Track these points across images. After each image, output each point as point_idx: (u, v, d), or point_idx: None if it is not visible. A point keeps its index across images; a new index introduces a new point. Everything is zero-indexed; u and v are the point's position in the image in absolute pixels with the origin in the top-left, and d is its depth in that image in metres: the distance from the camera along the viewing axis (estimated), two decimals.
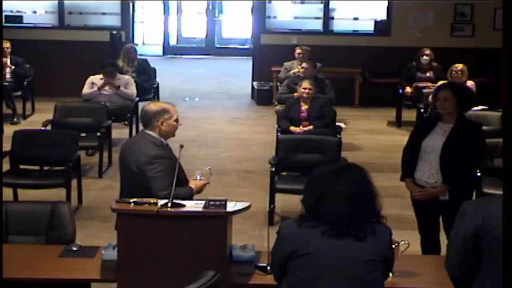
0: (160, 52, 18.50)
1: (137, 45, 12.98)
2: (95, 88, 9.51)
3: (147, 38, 19.28)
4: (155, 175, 4.75)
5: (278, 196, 6.98)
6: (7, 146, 7.33)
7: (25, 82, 11.18)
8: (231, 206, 4.30)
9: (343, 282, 3.23)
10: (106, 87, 9.58)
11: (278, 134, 8.36)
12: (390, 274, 4.10)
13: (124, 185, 5.02)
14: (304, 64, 9.76)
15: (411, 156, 5.44)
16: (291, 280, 3.33)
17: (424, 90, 10.19)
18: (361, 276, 3.23)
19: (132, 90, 9.77)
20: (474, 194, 6.95)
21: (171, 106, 4.99)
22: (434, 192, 5.32)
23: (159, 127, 4.88)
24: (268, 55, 12.55)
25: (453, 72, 9.56)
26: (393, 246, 4.17)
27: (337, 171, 3.34)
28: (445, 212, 5.36)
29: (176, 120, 4.95)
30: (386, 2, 12.76)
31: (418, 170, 5.39)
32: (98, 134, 8.53)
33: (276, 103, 10.40)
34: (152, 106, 4.98)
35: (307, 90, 8.49)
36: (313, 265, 3.25)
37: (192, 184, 5.05)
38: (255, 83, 12.81)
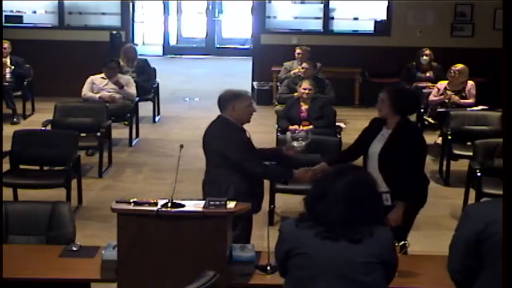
0: (160, 52, 18.48)
1: (137, 45, 12.99)
2: (96, 97, 9.48)
3: (147, 38, 19.26)
4: (240, 153, 5.09)
5: (278, 196, 6.98)
6: (7, 146, 7.33)
7: (25, 82, 11.18)
8: (231, 206, 4.30)
9: (338, 283, 3.22)
10: (106, 86, 9.58)
11: (278, 134, 8.36)
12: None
13: (209, 168, 5.31)
14: (304, 64, 9.75)
15: (350, 153, 5.36)
16: (290, 278, 3.35)
17: (424, 90, 10.20)
18: (357, 278, 3.22)
19: (132, 90, 9.77)
20: (475, 194, 6.99)
21: (243, 92, 5.40)
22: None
23: (232, 111, 5.19)
24: (268, 55, 12.55)
25: (451, 73, 9.56)
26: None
27: (337, 173, 3.33)
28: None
29: (249, 105, 5.27)
30: (386, 2, 12.75)
31: None
32: (98, 134, 8.53)
33: (276, 103, 10.40)
34: (224, 93, 5.36)
35: (306, 91, 8.49)
36: (309, 265, 3.26)
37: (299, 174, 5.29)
38: (255, 83, 12.80)
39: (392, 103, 5.13)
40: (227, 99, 5.27)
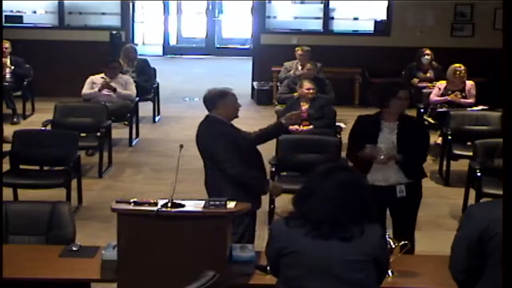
0: (160, 52, 18.47)
1: (137, 45, 12.98)
2: (96, 89, 9.51)
3: (147, 38, 19.26)
4: (221, 152, 5.13)
5: (278, 196, 6.98)
6: (7, 146, 7.33)
7: (25, 82, 11.17)
8: (231, 206, 4.30)
9: (329, 282, 3.23)
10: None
11: None
12: (390, 274, 4.10)
13: (206, 169, 5.37)
14: (308, 65, 9.84)
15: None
16: (282, 277, 3.38)
17: (424, 90, 10.21)
18: (347, 276, 3.23)
19: (132, 90, 9.77)
20: (475, 194, 7.00)
21: (228, 89, 5.42)
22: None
23: (222, 109, 5.25)
24: (268, 55, 12.55)
25: (457, 72, 9.53)
26: (393, 246, 4.19)
27: (326, 172, 3.34)
28: (400, 210, 5.36)
29: (235, 102, 5.35)
30: (386, 2, 12.75)
31: (374, 171, 5.31)
32: (98, 134, 8.53)
33: (276, 103, 10.40)
34: (209, 92, 5.35)
35: (310, 91, 8.51)
36: (299, 264, 3.27)
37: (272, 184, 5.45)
38: (255, 83, 12.81)
39: (410, 101, 5.47)
40: (215, 98, 5.30)
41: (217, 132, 5.21)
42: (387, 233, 4.12)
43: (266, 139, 5.72)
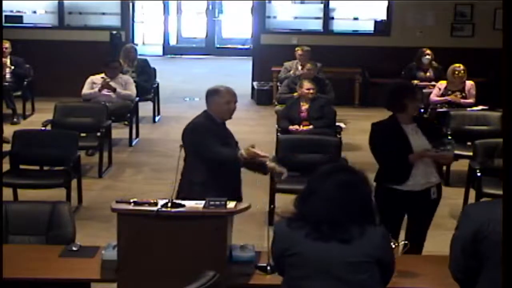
0: (160, 52, 18.49)
1: (137, 45, 12.98)
2: (96, 89, 9.51)
3: (147, 38, 19.28)
4: (200, 140, 5.10)
5: (278, 196, 6.98)
6: (7, 146, 7.32)
7: (25, 82, 11.18)
8: (231, 206, 4.31)
9: (331, 283, 3.23)
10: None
11: (278, 134, 8.37)
12: None
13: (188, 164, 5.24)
14: (308, 65, 9.84)
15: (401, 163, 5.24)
16: (286, 276, 3.39)
17: (424, 90, 10.21)
18: (349, 277, 3.22)
19: (132, 90, 9.76)
20: (475, 194, 6.99)
21: (225, 88, 5.30)
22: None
23: (210, 105, 5.26)
24: (268, 55, 12.55)
25: (456, 72, 9.53)
26: (393, 246, 4.18)
27: (327, 173, 3.33)
28: (428, 211, 5.35)
29: (228, 102, 5.22)
30: (386, 2, 12.76)
31: (416, 175, 5.20)
32: (98, 134, 8.53)
33: (276, 103, 10.40)
34: (209, 88, 5.36)
35: (311, 90, 8.51)
36: (301, 265, 3.28)
37: (244, 151, 5.27)
38: (255, 83, 12.81)
39: None
40: (207, 94, 5.33)
41: (201, 126, 5.20)
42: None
43: (249, 167, 5.52)
